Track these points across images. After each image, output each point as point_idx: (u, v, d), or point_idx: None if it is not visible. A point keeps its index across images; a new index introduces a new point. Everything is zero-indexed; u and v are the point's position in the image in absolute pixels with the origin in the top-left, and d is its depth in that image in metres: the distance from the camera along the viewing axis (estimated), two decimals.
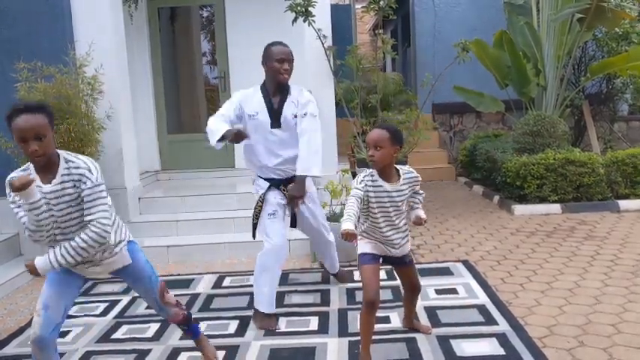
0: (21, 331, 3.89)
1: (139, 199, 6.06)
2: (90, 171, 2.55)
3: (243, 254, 5.32)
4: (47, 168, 2.55)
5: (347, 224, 2.84)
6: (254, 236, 3.96)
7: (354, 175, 6.36)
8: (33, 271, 2.57)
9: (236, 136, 3.56)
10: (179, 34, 8.21)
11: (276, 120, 3.79)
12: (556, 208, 6.72)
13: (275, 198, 3.86)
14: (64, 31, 5.54)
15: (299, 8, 5.80)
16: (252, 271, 4.81)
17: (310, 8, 5.80)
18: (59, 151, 2.59)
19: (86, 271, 2.82)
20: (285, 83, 3.85)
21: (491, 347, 3.27)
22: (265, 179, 3.89)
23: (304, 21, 5.85)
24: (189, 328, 3.22)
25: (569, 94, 8.03)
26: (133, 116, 6.19)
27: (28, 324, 3.99)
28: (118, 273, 2.93)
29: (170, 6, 7.79)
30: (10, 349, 3.62)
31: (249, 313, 3.97)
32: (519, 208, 6.78)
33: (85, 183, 2.53)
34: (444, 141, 10.27)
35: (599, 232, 5.79)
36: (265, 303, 3.79)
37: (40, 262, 2.56)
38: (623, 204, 6.75)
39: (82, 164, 2.56)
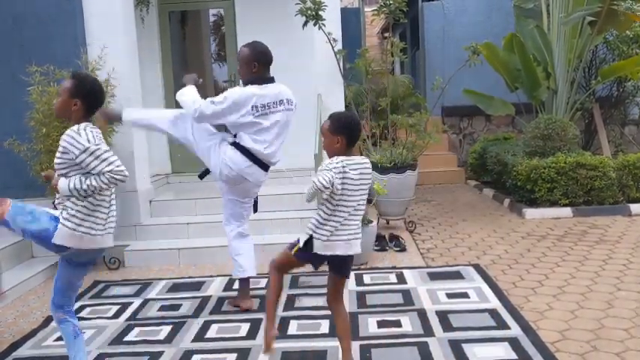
0: (34, 333, 3.91)
1: (150, 201, 6.09)
2: None
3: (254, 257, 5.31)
4: None
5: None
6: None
7: None
8: None
9: None
10: (189, 38, 8.25)
11: None
12: (567, 211, 6.69)
13: None
14: (76, 34, 5.58)
15: (309, 12, 5.82)
16: (263, 274, 4.84)
17: (320, 12, 5.81)
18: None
19: None
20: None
21: (504, 351, 3.26)
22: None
23: (314, 25, 5.87)
24: None
25: (579, 98, 8.00)
26: None
27: (41, 326, 4.02)
28: None
29: (181, 10, 7.83)
30: (23, 351, 3.64)
31: (261, 315, 3.98)
32: (530, 212, 6.76)
33: None
34: (453, 144, 10.25)
35: (611, 235, 5.76)
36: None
37: None
38: (635, 207, 6.71)
39: None
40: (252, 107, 3.81)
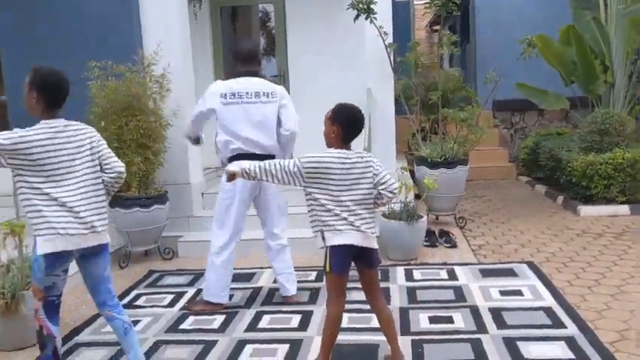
0: (93, 319, 4.04)
1: (203, 194, 6.21)
2: None
3: (302, 250, 5.32)
4: None
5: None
6: None
7: (412, 172, 6.31)
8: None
9: None
10: (240, 33, 8.35)
11: None
12: (624, 209, 6.48)
13: None
14: (133, 30, 5.74)
15: (361, 5, 5.80)
16: (312, 267, 4.89)
17: (372, 5, 5.79)
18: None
19: None
20: None
21: (560, 350, 3.20)
22: None
23: (366, 18, 5.85)
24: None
25: (638, 91, 7.73)
26: None
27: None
28: None
29: (231, 5, 7.93)
30: (83, 337, 3.78)
31: (311, 307, 4.03)
32: (585, 209, 6.57)
33: None
34: (504, 139, 10.05)
35: None
36: None
37: None
38: None
39: None
40: (220, 95, 4.12)
